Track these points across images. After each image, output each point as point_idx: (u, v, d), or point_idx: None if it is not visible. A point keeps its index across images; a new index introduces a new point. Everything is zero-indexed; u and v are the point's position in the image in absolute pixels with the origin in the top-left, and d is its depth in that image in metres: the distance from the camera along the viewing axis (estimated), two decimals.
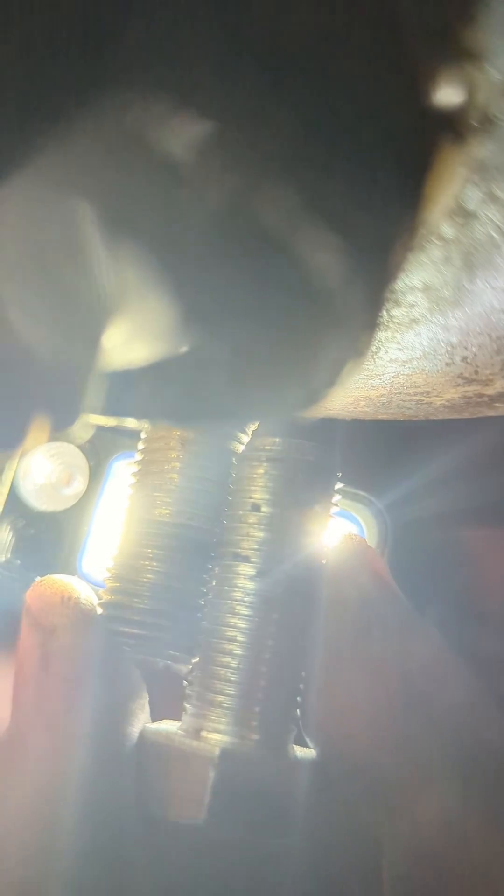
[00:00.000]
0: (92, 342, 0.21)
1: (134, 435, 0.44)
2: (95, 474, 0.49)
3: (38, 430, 0.22)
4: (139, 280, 0.20)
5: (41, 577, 0.36)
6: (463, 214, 0.20)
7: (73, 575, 0.46)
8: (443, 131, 0.17)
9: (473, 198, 0.19)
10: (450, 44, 0.15)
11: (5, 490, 0.48)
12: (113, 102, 0.15)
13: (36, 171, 0.18)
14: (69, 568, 0.48)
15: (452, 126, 0.16)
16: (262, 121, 0.15)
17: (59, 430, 0.22)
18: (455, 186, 0.18)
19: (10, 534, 0.48)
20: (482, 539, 0.43)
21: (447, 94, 0.16)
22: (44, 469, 0.48)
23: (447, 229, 0.20)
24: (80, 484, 0.49)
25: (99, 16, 0.15)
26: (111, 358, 0.23)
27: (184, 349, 0.23)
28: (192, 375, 0.24)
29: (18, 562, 0.48)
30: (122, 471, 0.49)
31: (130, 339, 0.23)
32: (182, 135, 0.15)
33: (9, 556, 0.48)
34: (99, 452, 0.49)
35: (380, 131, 0.16)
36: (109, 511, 0.49)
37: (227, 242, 0.18)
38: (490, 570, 0.42)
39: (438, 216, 0.20)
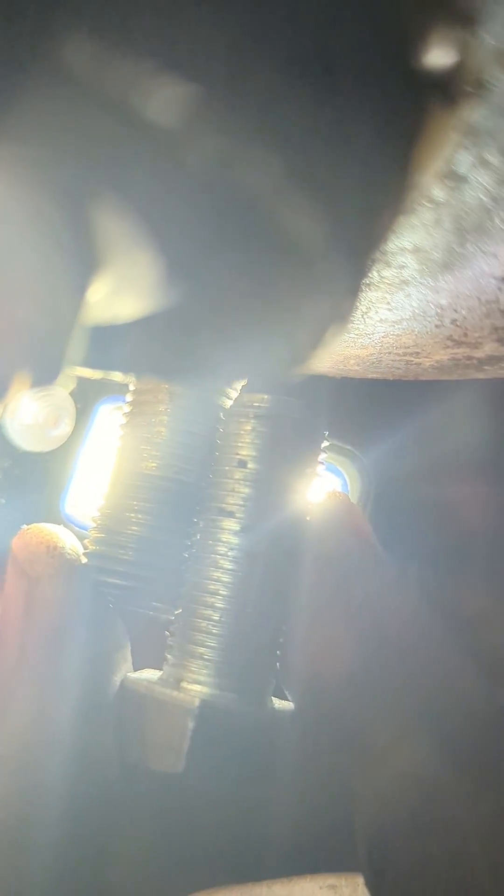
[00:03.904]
0: (76, 296, 0.21)
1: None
2: (82, 416, 0.48)
3: (19, 384, 0.21)
4: (124, 235, 0.20)
5: (27, 523, 0.36)
6: (454, 178, 0.19)
7: (57, 516, 0.47)
8: (434, 94, 0.16)
9: (465, 162, 0.18)
10: (443, 6, 0.14)
11: None
12: (99, 65, 0.15)
13: (21, 126, 0.18)
14: (53, 509, 0.48)
15: (444, 89, 0.16)
16: (246, 83, 0.15)
17: (40, 384, 0.22)
18: (446, 150, 0.18)
19: None
20: (465, 495, 0.43)
21: (439, 57, 0.15)
22: (31, 410, 0.48)
23: (438, 193, 0.20)
24: (66, 426, 0.48)
25: None
26: (96, 312, 0.23)
27: (168, 305, 0.23)
28: (177, 331, 0.24)
29: (3, 501, 0.48)
30: (109, 414, 0.48)
31: (115, 293, 0.22)
32: (165, 97, 0.15)
33: None
34: (86, 395, 0.48)
35: (368, 92, 0.16)
36: (94, 454, 0.48)
37: (209, 202, 0.18)
38: (471, 527, 0.42)
39: (429, 179, 0.19)
